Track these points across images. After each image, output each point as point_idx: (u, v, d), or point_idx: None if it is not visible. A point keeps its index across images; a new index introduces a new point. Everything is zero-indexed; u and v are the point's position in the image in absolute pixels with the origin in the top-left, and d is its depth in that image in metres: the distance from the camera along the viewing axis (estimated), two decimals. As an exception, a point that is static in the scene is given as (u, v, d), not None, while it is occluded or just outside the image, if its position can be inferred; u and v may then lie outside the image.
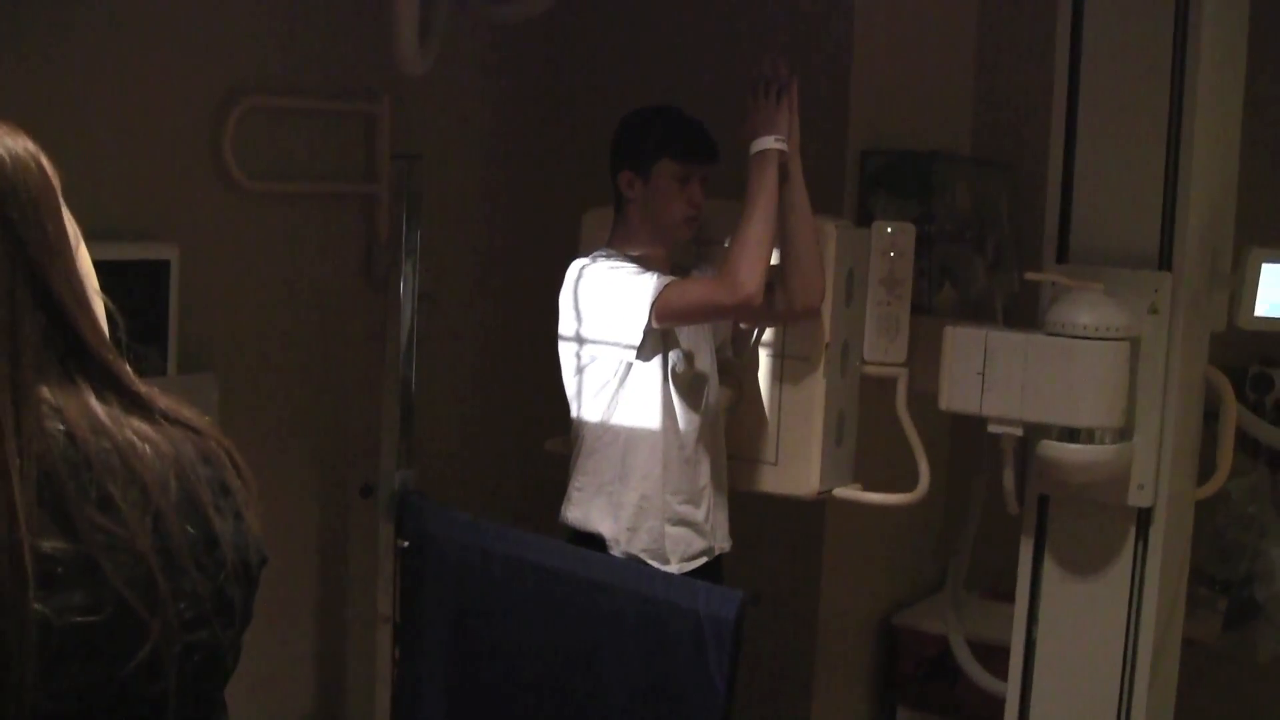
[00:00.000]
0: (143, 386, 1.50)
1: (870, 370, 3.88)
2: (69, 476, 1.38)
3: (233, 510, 1.53)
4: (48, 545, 1.34)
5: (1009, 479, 3.35)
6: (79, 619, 1.35)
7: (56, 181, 1.51)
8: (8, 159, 1.46)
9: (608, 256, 3.66)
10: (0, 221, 1.42)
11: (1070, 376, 3.13)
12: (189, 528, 1.46)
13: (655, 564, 3.62)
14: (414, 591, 3.88)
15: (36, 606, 1.32)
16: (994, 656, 3.97)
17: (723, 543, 3.80)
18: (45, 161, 1.50)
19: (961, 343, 3.32)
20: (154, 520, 1.42)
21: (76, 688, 1.36)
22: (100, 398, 1.45)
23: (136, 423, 1.46)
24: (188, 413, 1.54)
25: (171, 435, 1.49)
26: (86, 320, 1.48)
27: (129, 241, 3.60)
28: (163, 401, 1.51)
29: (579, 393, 3.69)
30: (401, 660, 3.93)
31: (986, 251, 4.42)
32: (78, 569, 1.36)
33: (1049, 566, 3.35)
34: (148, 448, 1.45)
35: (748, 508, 3.90)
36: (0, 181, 1.44)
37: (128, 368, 1.50)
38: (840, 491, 3.87)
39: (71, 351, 1.45)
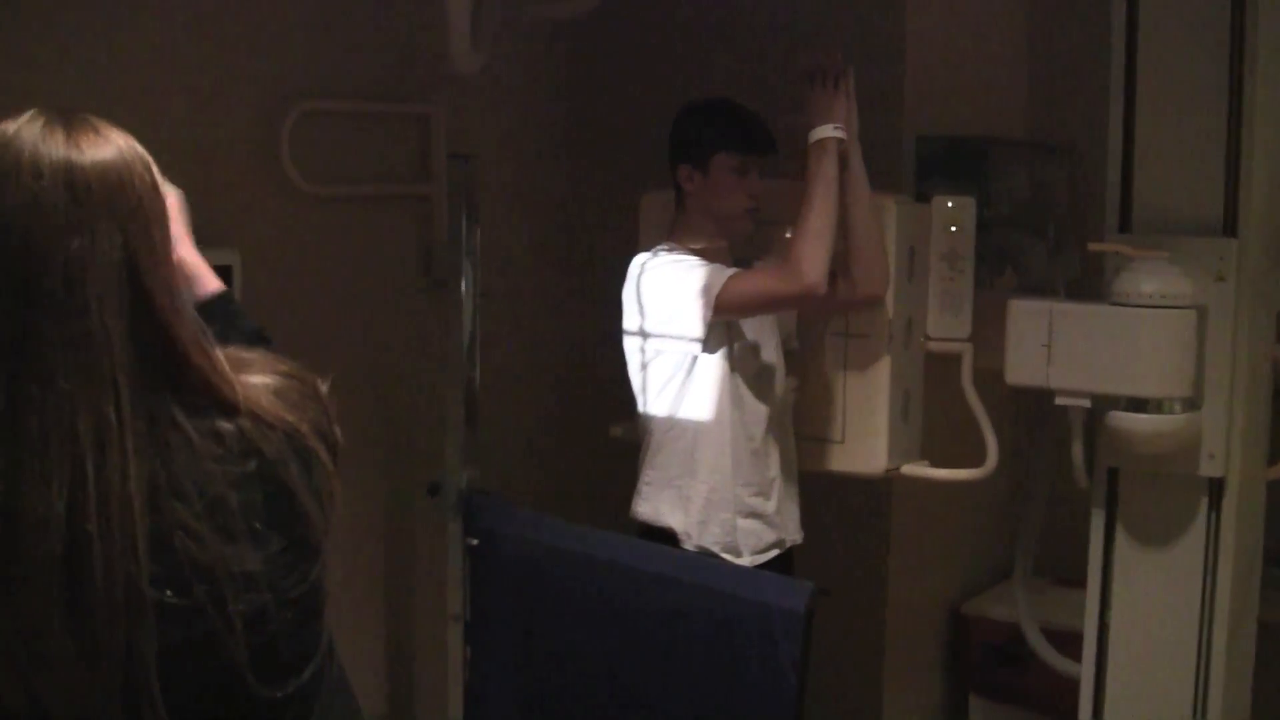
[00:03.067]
0: (236, 391, 1.59)
1: (934, 346, 3.87)
2: (155, 470, 1.51)
3: (314, 488, 1.65)
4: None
5: (1077, 451, 3.34)
6: (161, 595, 1.50)
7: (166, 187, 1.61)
8: (122, 164, 1.54)
9: (669, 251, 3.66)
10: (119, 231, 1.50)
11: (1137, 346, 3.11)
12: (257, 498, 1.58)
13: (727, 557, 3.61)
14: (483, 589, 3.88)
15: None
16: (1065, 643, 3.94)
17: (794, 535, 3.79)
18: (154, 168, 1.59)
19: (1026, 315, 3.31)
20: (211, 511, 1.54)
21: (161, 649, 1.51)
22: (181, 400, 1.55)
23: (213, 421, 1.57)
24: (289, 416, 1.64)
25: (248, 429, 1.59)
26: (183, 327, 1.57)
27: (191, 247, 3.61)
28: (259, 403, 1.61)
29: (645, 387, 3.69)
30: (473, 658, 3.92)
31: (1046, 235, 4.40)
32: (158, 548, 1.50)
33: (1120, 539, 3.33)
34: (211, 443, 1.56)
35: (813, 495, 3.88)
36: (115, 190, 1.51)
37: (219, 371, 1.59)
38: (908, 468, 3.86)
39: (164, 356, 1.54)
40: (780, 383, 3.74)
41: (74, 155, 1.51)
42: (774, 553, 3.72)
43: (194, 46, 3.71)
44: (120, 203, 1.52)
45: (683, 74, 4.55)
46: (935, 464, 3.92)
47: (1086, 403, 3.24)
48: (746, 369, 3.64)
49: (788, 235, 3.62)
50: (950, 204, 3.85)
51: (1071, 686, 3.56)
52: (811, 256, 3.45)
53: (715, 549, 3.62)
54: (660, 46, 4.77)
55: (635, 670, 3.55)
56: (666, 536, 3.65)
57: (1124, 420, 3.15)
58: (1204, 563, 3.22)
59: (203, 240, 3.62)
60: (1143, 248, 3.14)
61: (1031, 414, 4.03)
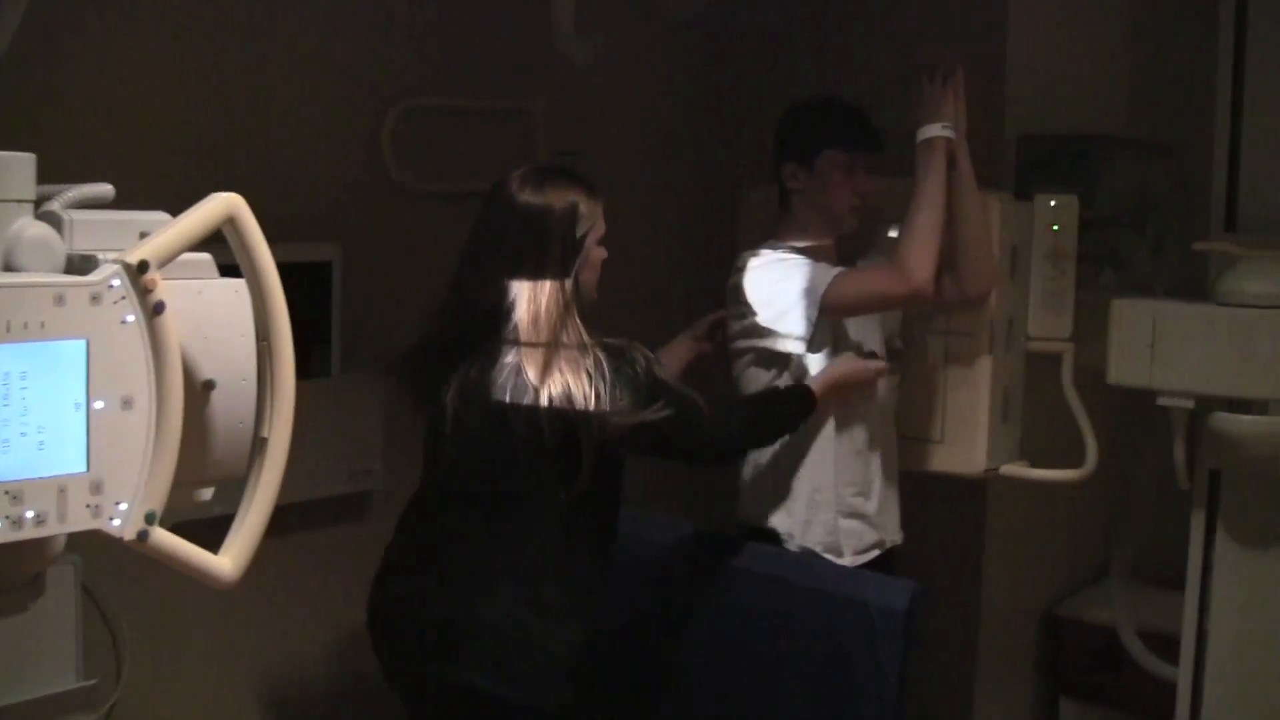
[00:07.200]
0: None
1: (1035, 346, 3.86)
2: None
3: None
4: None
5: (1180, 452, 3.32)
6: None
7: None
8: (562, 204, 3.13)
9: (774, 249, 3.65)
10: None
11: (1244, 347, 3.08)
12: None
13: (829, 557, 3.61)
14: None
15: None
16: (1161, 647, 3.92)
17: (894, 535, 3.79)
18: (581, 207, 3.11)
19: (1130, 315, 3.29)
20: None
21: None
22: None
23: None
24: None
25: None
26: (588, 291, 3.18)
27: (291, 243, 3.63)
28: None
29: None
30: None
31: (1147, 235, 4.36)
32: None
33: (1221, 541, 3.31)
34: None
35: (909, 495, 3.87)
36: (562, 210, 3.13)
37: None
38: (1007, 469, 3.85)
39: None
40: (883, 382, 3.71)
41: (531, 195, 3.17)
42: (875, 553, 3.72)
43: (299, 44, 3.72)
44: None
45: (786, 71, 4.55)
46: (1034, 464, 3.91)
47: (1190, 404, 3.22)
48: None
49: (891, 234, 3.62)
50: (1053, 203, 3.85)
51: (1167, 690, 3.55)
52: (920, 256, 3.44)
53: (818, 549, 3.62)
54: (764, 44, 4.76)
55: (736, 667, 3.55)
56: (770, 537, 3.66)
57: (1229, 422, 3.13)
58: (1307, 564, 3.21)
59: (303, 235, 3.68)
60: (1249, 246, 3.12)
61: (1132, 414, 4.00)
